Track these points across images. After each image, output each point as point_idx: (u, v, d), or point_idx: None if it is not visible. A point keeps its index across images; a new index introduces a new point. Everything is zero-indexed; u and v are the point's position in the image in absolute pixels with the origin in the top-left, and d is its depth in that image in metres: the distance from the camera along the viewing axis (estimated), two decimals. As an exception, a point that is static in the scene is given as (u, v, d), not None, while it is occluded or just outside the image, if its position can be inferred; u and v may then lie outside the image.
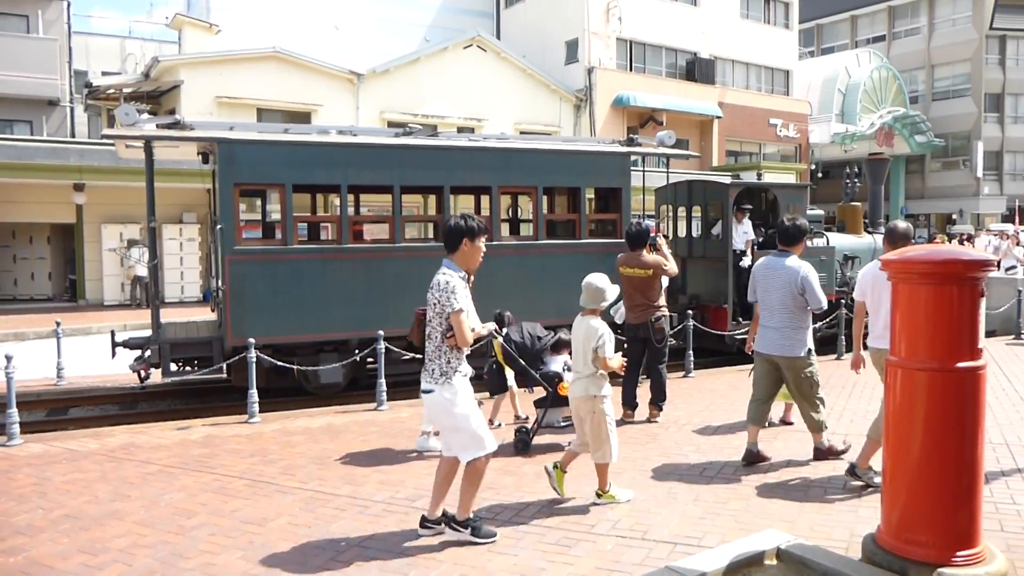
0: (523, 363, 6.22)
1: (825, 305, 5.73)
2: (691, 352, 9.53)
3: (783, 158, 33.70)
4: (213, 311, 10.25)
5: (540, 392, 6.48)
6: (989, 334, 12.33)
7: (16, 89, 23.19)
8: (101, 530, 4.57)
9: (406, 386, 9.51)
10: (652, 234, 7.64)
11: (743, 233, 11.12)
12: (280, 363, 8.18)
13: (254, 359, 7.47)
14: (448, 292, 4.14)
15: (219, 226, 8.33)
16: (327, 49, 25.96)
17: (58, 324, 10.46)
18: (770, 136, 32.97)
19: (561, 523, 4.59)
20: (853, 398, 7.98)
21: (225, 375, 8.95)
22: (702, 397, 8.24)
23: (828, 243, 12.11)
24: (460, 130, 23.15)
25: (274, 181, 8.66)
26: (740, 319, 11.08)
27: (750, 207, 11.39)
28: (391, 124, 22.79)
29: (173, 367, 8.62)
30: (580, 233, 9.97)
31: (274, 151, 8.52)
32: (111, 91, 22.42)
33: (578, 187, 10.22)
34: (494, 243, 9.16)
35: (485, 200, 10.28)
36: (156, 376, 8.87)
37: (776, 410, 7.05)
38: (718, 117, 30.75)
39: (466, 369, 4.30)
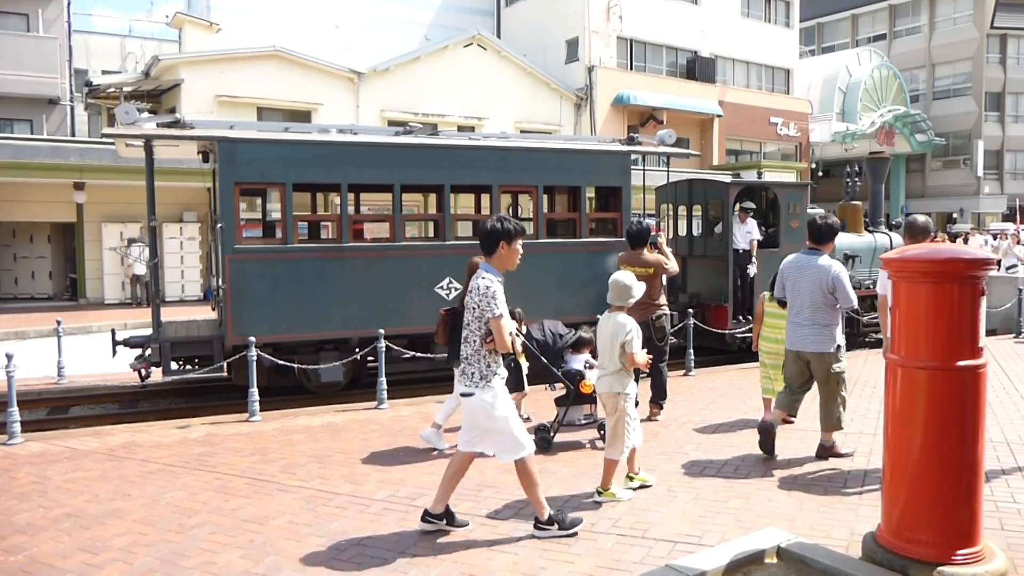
0: (545, 361, 6.23)
1: (856, 304, 5.71)
2: (691, 350, 9.53)
3: (783, 157, 33.69)
4: (214, 310, 10.26)
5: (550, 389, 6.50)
6: (990, 333, 12.32)
7: (16, 88, 23.20)
8: (102, 529, 4.58)
9: (406, 385, 9.54)
10: (652, 233, 7.64)
11: (746, 233, 11.06)
12: (281, 362, 8.18)
13: (255, 358, 7.47)
14: (489, 297, 4.14)
15: (219, 225, 8.33)
16: (327, 48, 25.95)
17: (59, 323, 10.46)
18: (771, 135, 32.96)
19: (561, 522, 4.59)
20: (853, 397, 7.96)
21: (225, 374, 8.95)
22: (703, 395, 8.25)
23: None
24: (460, 129, 23.17)
25: (274, 180, 8.66)
26: (740, 318, 11.09)
27: (753, 207, 11.35)
28: (391, 123, 22.79)
29: (174, 366, 8.63)
30: (580, 232, 9.97)
31: (274, 150, 8.53)
32: (111, 90, 22.42)
33: (578, 186, 10.22)
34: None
35: (485, 199, 10.29)
36: (157, 375, 8.88)
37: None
38: (718, 116, 30.73)
39: (503, 372, 4.34)
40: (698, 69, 30.78)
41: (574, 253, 9.84)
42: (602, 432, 5.99)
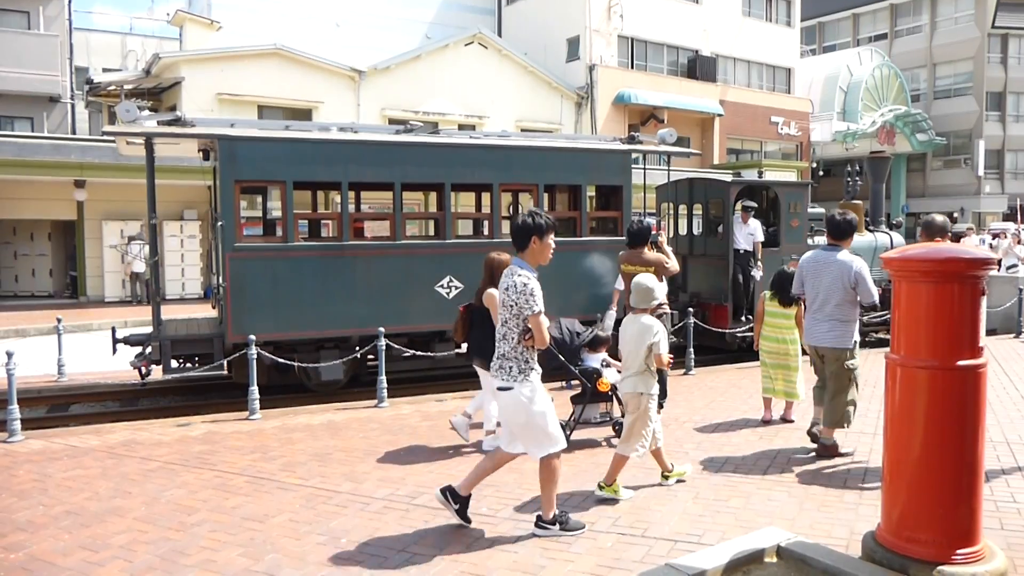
0: (563, 359, 6.23)
1: (877, 299, 5.74)
2: (691, 349, 9.53)
3: (784, 156, 33.68)
4: (214, 308, 10.25)
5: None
6: (990, 333, 12.31)
7: (17, 86, 23.20)
8: (102, 526, 4.58)
9: (407, 383, 9.55)
10: (653, 232, 7.64)
11: (748, 235, 10.99)
12: (281, 360, 8.19)
13: (255, 356, 7.47)
14: (527, 294, 4.14)
15: (220, 223, 8.33)
16: (328, 46, 25.95)
17: (59, 320, 10.46)
18: (771, 134, 32.94)
19: (561, 520, 4.59)
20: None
21: (226, 372, 8.96)
22: (703, 394, 8.25)
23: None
24: (461, 127, 23.17)
25: (275, 178, 8.66)
26: (742, 318, 11.08)
27: (754, 206, 11.31)
28: (392, 121, 22.78)
29: (174, 364, 8.63)
30: (581, 231, 9.97)
31: (275, 148, 8.52)
32: (112, 88, 22.42)
33: (579, 185, 10.21)
34: (495, 241, 9.17)
35: (486, 198, 10.28)
36: (157, 373, 8.88)
37: (777, 408, 7.06)
38: (719, 115, 30.72)
39: (539, 367, 4.36)
40: (699, 68, 30.77)
41: (575, 252, 9.84)
42: (617, 429, 6.02)
